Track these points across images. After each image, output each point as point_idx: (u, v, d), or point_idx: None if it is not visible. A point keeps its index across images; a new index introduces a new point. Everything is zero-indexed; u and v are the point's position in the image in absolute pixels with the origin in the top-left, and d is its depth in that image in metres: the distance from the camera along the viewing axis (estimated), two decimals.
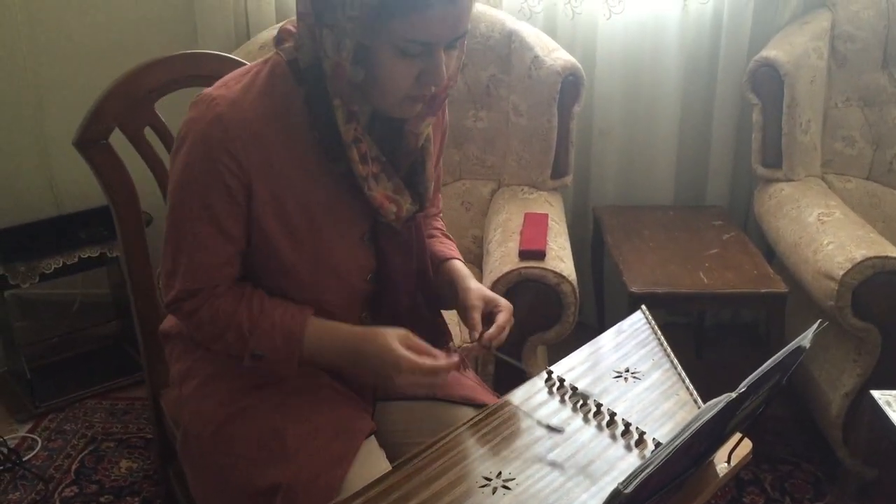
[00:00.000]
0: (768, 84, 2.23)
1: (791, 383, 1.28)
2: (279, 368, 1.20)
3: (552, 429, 1.14)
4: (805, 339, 0.99)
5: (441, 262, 1.35)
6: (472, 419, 1.17)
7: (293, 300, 1.21)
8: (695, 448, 0.91)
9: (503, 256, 1.84)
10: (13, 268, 2.24)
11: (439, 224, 1.44)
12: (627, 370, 1.26)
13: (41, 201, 2.65)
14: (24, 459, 2.12)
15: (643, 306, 1.43)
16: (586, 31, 2.43)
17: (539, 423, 1.15)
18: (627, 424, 1.12)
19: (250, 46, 2.22)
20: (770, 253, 2.27)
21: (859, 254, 1.82)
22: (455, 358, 1.17)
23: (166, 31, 2.49)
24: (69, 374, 2.49)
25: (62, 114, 2.53)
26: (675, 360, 1.29)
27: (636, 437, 1.11)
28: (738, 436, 1.12)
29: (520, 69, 2.21)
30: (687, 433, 0.82)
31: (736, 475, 1.33)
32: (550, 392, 1.21)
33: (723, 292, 1.99)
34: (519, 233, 1.92)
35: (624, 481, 0.77)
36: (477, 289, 1.28)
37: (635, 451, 1.09)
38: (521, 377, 1.26)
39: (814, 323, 1.04)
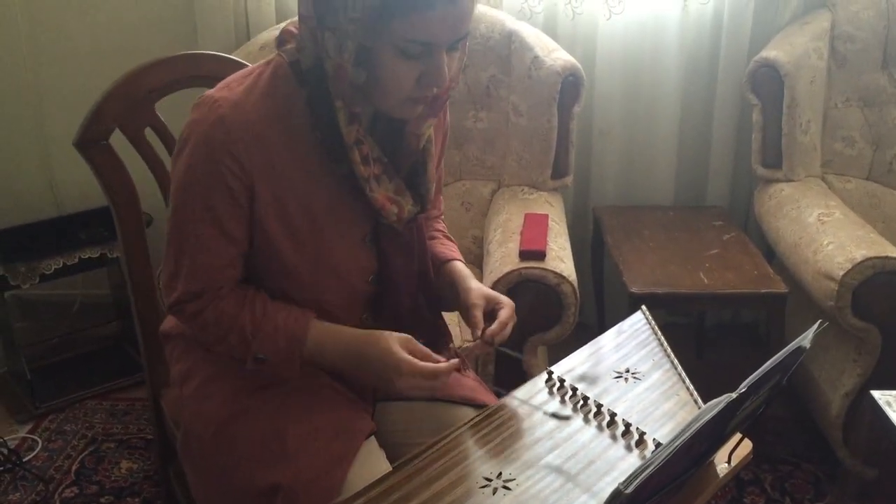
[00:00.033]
0: (768, 84, 2.23)
1: (791, 383, 1.28)
2: (281, 371, 1.20)
3: (558, 417, 1.14)
4: (805, 339, 0.99)
5: (442, 263, 1.35)
6: (472, 419, 1.17)
7: (294, 301, 1.21)
8: (695, 448, 0.91)
9: (503, 257, 1.84)
10: (13, 268, 2.24)
11: (440, 226, 1.45)
12: (628, 370, 1.27)
13: (41, 202, 2.65)
14: (24, 460, 2.12)
15: (643, 307, 1.43)
16: (586, 31, 2.43)
17: (545, 413, 1.15)
18: (628, 425, 1.13)
19: (250, 47, 2.22)
20: (770, 253, 2.27)
21: (859, 254, 1.82)
22: (455, 361, 1.17)
23: (166, 31, 2.49)
24: (69, 374, 2.49)
25: (62, 114, 2.53)
26: (676, 361, 1.29)
27: (636, 437, 1.11)
28: (738, 436, 1.12)
29: (520, 69, 2.21)
30: (687, 433, 0.82)
31: (736, 475, 1.33)
32: (551, 392, 1.21)
33: (723, 293, 1.99)
34: (519, 233, 1.92)
35: (624, 482, 0.77)
36: (478, 288, 1.28)
37: (636, 452, 1.09)
38: (522, 378, 1.26)
39: (814, 323, 1.04)
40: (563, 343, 1.77)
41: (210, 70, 1.54)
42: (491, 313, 1.25)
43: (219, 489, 1.21)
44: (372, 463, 1.16)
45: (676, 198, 2.58)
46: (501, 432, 1.13)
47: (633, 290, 1.97)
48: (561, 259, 1.82)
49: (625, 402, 1.19)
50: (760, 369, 0.94)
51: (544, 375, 1.24)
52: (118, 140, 1.48)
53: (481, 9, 2.27)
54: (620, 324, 1.39)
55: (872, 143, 2.36)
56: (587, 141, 2.53)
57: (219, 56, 1.59)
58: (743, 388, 0.90)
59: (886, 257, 1.80)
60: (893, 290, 1.81)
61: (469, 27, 1.10)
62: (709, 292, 1.99)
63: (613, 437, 1.12)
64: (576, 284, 1.78)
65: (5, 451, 2.11)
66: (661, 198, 2.57)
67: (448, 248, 1.39)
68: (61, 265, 2.29)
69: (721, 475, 1.12)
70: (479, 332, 1.22)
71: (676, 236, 2.27)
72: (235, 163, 1.12)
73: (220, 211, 1.14)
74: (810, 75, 2.24)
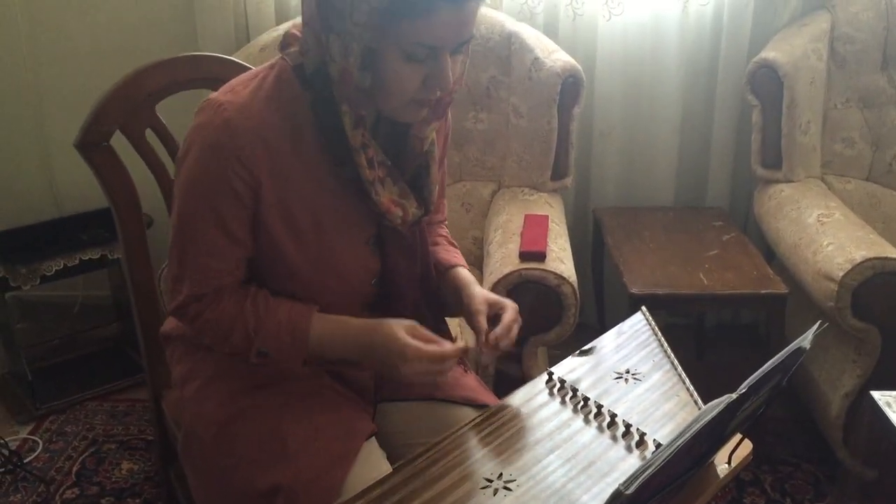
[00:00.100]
0: (768, 85, 2.23)
1: (791, 384, 1.28)
2: (286, 365, 1.20)
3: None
4: (805, 340, 0.99)
5: (446, 269, 1.35)
6: (473, 420, 1.17)
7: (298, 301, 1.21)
8: (695, 449, 0.91)
9: (504, 258, 1.84)
10: (14, 270, 2.24)
11: (444, 231, 1.45)
12: (628, 371, 1.27)
13: (42, 203, 2.66)
14: (25, 461, 2.12)
15: (643, 307, 1.43)
16: (586, 32, 2.43)
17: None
18: (628, 426, 1.13)
19: (251, 49, 2.22)
20: (770, 254, 2.27)
21: (859, 255, 1.82)
22: (461, 344, 1.18)
23: (166, 32, 2.49)
24: (70, 375, 2.49)
25: (62, 115, 2.53)
26: (676, 362, 1.29)
27: (637, 438, 1.11)
28: (738, 437, 1.12)
29: (520, 71, 2.22)
30: (688, 434, 0.83)
31: (736, 476, 1.33)
32: (551, 393, 1.21)
33: (723, 293, 1.99)
34: (519, 234, 1.92)
35: (625, 482, 0.77)
36: (481, 294, 1.28)
37: (636, 453, 1.09)
38: (522, 379, 1.27)
39: (814, 324, 1.04)
40: (563, 344, 1.77)
41: (211, 72, 1.54)
42: (495, 318, 1.25)
43: (219, 490, 1.21)
44: (372, 464, 1.16)
45: (676, 199, 2.58)
46: (502, 433, 1.14)
47: (634, 290, 1.97)
48: (561, 260, 1.83)
49: (625, 403, 1.19)
50: (760, 370, 0.94)
51: (545, 376, 1.25)
52: (119, 141, 1.48)
53: (482, 10, 2.27)
54: (620, 325, 1.39)
55: (872, 143, 2.36)
56: (587, 142, 2.53)
57: (219, 58, 1.59)
58: (743, 388, 0.90)
59: (886, 258, 1.81)
60: (893, 290, 1.81)
61: (473, 30, 1.10)
62: (709, 293, 1.99)
63: (614, 438, 1.12)
64: (576, 285, 1.78)
65: (6, 453, 2.11)
66: (661, 199, 2.57)
67: (452, 255, 1.38)
68: (62, 266, 2.30)
69: (721, 476, 1.12)
70: (484, 337, 1.22)
71: (676, 237, 2.27)
72: (242, 166, 1.12)
73: (225, 214, 1.14)
74: (810, 76, 2.25)
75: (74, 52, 2.53)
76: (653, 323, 1.38)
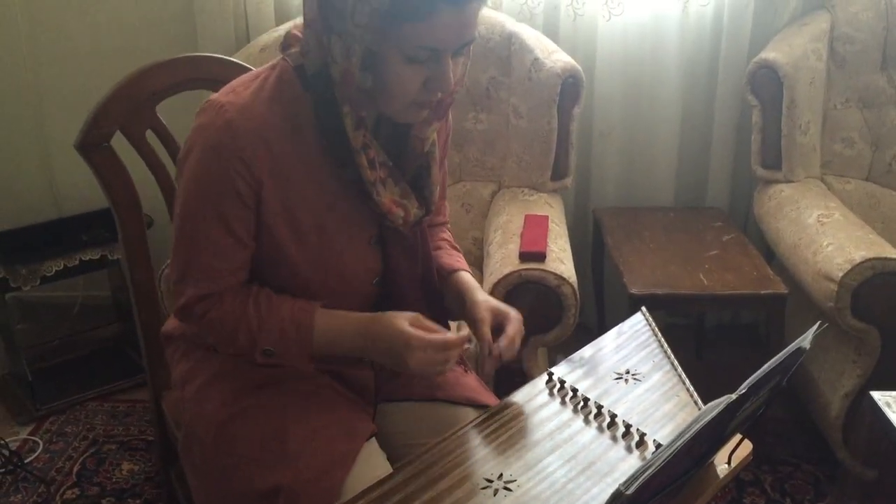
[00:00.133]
0: (767, 86, 2.23)
1: (791, 384, 1.28)
2: (292, 363, 1.20)
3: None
4: (805, 340, 1.00)
5: (448, 273, 1.35)
6: (473, 421, 1.17)
7: None
8: (695, 449, 0.91)
9: (504, 258, 1.84)
10: (14, 270, 2.24)
11: (447, 235, 1.44)
12: (628, 372, 1.27)
13: (42, 203, 2.66)
14: (25, 462, 2.12)
15: (643, 308, 1.43)
16: (586, 32, 2.43)
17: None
18: (628, 426, 1.13)
19: (251, 49, 2.23)
20: (770, 254, 2.27)
21: (858, 255, 1.82)
22: (465, 332, 1.18)
23: (166, 33, 2.49)
24: (70, 376, 2.49)
25: (62, 115, 2.53)
26: (676, 362, 1.29)
27: (637, 438, 1.11)
28: (738, 437, 1.12)
29: (520, 71, 2.22)
30: (688, 435, 0.83)
31: (736, 476, 1.33)
32: (551, 394, 1.21)
33: (723, 294, 1.99)
34: (519, 235, 1.93)
35: (625, 482, 0.77)
36: (485, 301, 1.28)
37: (636, 453, 1.09)
38: (522, 379, 1.27)
39: (814, 324, 1.04)
40: (563, 344, 1.77)
41: (211, 72, 1.54)
42: (498, 326, 1.25)
43: (220, 491, 1.21)
44: (373, 464, 1.16)
45: (676, 199, 2.58)
46: (502, 433, 1.14)
47: (634, 291, 1.97)
48: (561, 260, 1.83)
49: (625, 404, 1.19)
50: (760, 370, 0.94)
51: (545, 377, 1.25)
52: (119, 141, 1.48)
53: (482, 11, 2.27)
54: (620, 325, 1.39)
55: (872, 143, 2.36)
56: (587, 142, 2.53)
57: (219, 58, 1.59)
58: (743, 389, 0.90)
59: (886, 258, 1.81)
60: (893, 290, 1.81)
61: (475, 32, 1.10)
62: (709, 293, 1.99)
63: (614, 439, 1.12)
64: (576, 286, 1.78)
65: (6, 453, 2.11)
66: (661, 199, 2.57)
67: (454, 259, 1.38)
68: (62, 267, 2.30)
69: (721, 476, 1.12)
70: (487, 349, 1.22)
71: (676, 237, 2.27)
72: (244, 167, 1.12)
73: (229, 215, 1.14)
74: (809, 76, 2.25)
75: (74, 52, 2.53)
76: (653, 323, 1.38)
